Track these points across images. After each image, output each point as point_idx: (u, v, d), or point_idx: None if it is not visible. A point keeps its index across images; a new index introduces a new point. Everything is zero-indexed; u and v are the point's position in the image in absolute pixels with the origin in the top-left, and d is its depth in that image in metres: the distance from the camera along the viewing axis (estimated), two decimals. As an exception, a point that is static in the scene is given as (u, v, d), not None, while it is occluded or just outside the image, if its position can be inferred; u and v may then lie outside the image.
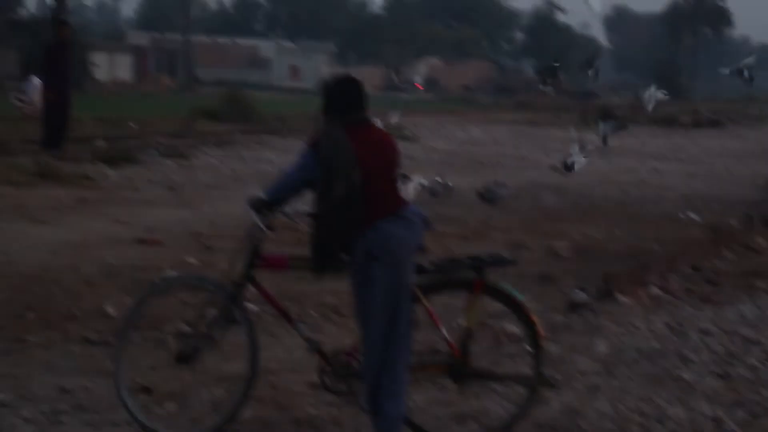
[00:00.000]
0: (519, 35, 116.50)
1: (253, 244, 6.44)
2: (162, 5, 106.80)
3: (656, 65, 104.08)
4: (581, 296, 10.20)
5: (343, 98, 6.25)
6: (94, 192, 15.74)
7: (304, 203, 6.48)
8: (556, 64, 20.57)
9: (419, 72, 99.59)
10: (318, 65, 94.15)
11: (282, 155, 22.63)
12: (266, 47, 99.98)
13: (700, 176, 24.52)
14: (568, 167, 17.76)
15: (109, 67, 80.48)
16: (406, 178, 17.61)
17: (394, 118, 22.95)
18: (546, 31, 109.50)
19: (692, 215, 17.00)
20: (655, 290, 10.99)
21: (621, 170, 25.45)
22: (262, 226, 6.34)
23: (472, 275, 6.40)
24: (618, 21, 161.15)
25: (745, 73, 16.80)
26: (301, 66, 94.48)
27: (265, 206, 6.30)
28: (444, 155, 25.52)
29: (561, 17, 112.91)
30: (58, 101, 20.30)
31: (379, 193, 6.07)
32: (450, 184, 18.03)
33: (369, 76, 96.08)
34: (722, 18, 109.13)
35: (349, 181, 5.98)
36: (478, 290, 6.39)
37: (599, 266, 12.11)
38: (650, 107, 19.18)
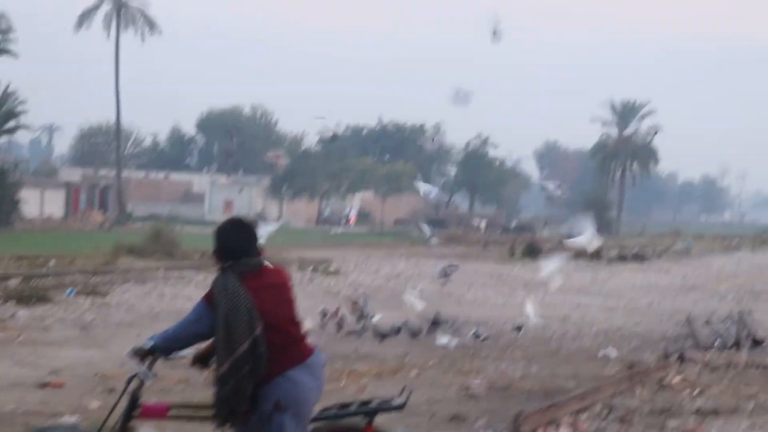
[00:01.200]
0: (452, 169, 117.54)
1: (133, 393, 6.21)
2: (96, 141, 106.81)
3: (585, 200, 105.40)
4: (485, 439, 9.99)
5: (236, 243, 6.09)
6: (0, 333, 15.35)
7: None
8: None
9: (352, 206, 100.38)
10: (252, 199, 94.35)
11: (202, 291, 22.39)
12: (200, 182, 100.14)
13: (621, 311, 24.55)
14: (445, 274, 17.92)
15: (40, 204, 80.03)
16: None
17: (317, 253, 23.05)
18: (478, 165, 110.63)
19: (609, 352, 16.89)
20: (565, 430, 10.82)
21: (546, 304, 25.43)
22: (143, 375, 6.13)
23: (363, 422, 6.24)
24: (548, 156, 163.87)
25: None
26: (234, 200, 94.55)
27: (150, 355, 6.11)
28: (369, 290, 25.36)
29: (493, 152, 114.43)
30: None
31: (287, 341, 5.88)
32: (371, 314, 17.85)
33: (303, 210, 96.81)
34: (650, 155, 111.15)
35: (253, 334, 5.79)
36: (369, 436, 6.20)
37: (513, 405, 11.90)
38: (591, 248, 19.29)
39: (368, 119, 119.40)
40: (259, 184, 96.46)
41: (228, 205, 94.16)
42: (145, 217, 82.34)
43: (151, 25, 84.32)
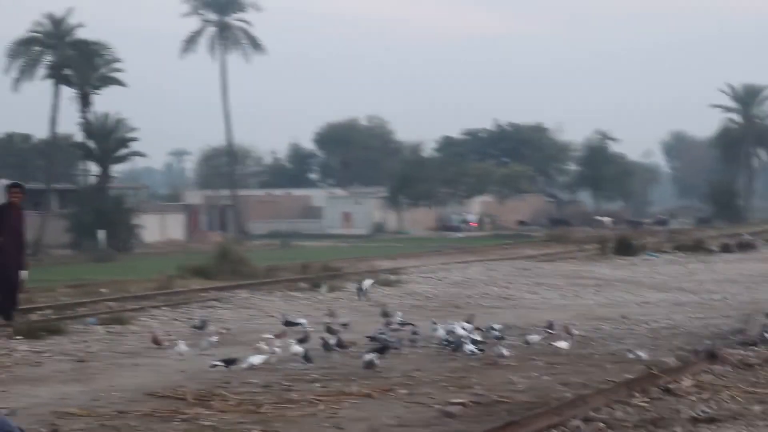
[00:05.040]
0: (572, 168, 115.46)
1: None
2: (216, 163, 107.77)
3: (713, 190, 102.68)
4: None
5: None
6: (-18, 372, 14.78)
7: None
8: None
9: (471, 211, 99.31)
10: (370, 210, 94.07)
11: (237, 312, 21.71)
12: (318, 196, 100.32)
13: (689, 306, 23.07)
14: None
15: (161, 228, 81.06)
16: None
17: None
18: (600, 160, 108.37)
19: (640, 354, 15.56)
20: (518, 453, 9.71)
21: (609, 303, 24.14)
22: None
23: None
24: (676, 147, 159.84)
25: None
26: (352, 212, 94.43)
27: None
28: (421, 299, 24.41)
29: (613, 146, 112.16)
30: (6, 264, 19.55)
31: None
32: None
33: (422, 218, 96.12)
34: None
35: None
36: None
37: (480, 425, 10.85)
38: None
39: (484, 122, 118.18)
40: (377, 195, 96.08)
41: (346, 217, 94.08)
42: (265, 234, 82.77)
43: (255, 44, 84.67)
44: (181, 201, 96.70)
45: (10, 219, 20.20)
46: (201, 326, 18.50)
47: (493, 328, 17.70)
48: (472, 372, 14.83)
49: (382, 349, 16.04)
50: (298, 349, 15.73)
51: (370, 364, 15.00)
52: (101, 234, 63.41)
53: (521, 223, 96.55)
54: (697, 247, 42.41)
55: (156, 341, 16.76)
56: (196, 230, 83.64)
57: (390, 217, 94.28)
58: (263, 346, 15.78)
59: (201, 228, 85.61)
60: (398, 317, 18.82)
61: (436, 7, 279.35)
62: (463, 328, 17.49)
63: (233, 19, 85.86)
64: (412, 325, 18.05)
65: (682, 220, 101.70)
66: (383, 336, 16.96)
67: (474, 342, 16.70)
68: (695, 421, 11.04)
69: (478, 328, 17.74)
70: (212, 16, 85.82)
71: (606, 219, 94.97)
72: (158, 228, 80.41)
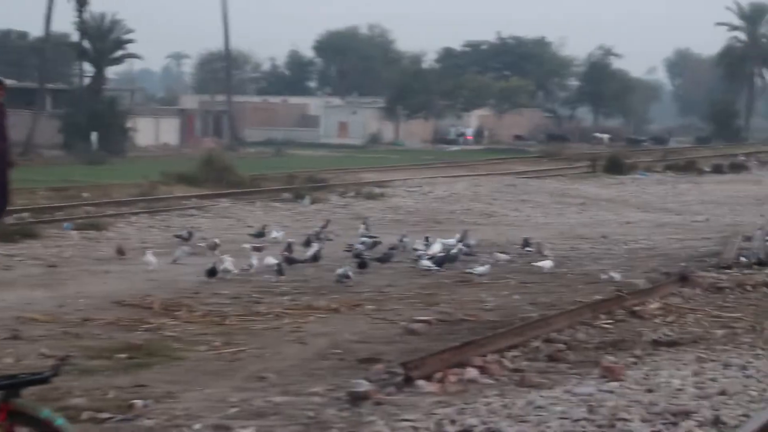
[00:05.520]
0: (574, 83, 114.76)
1: None
2: (214, 68, 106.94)
3: (713, 109, 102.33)
4: (362, 386, 8.94)
5: None
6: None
7: None
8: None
9: (469, 124, 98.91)
10: (366, 121, 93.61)
11: (214, 220, 21.69)
12: (315, 105, 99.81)
13: (671, 227, 23.08)
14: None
15: (156, 132, 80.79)
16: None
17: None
18: (601, 76, 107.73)
19: (613, 275, 15.58)
20: (472, 372, 9.72)
21: (591, 222, 24.15)
22: None
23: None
24: (680, 64, 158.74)
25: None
26: (349, 122, 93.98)
27: None
28: (403, 214, 24.36)
29: (616, 63, 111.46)
30: None
31: None
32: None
33: (420, 130, 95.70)
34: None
35: None
36: (3, 417, 5.18)
37: (443, 343, 10.86)
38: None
39: (487, 35, 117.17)
40: (374, 105, 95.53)
41: (342, 127, 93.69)
42: (260, 142, 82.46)
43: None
44: (176, 105, 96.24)
45: None
46: (187, 237, 18.40)
47: (468, 245, 17.72)
48: (443, 289, 14.88)
49: (362, 264, 16.00)
50: (271, 260, 15.76)
51: (342, 278, 15.02)
52: (94, 136, 63.26)
53: (518, 137, 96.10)
54: (688, 167, 42.29)
55: (120, 251, 16.65)
56: (190, 135, 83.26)
57: (386, 128, 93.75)
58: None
59: (195, 133, 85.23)
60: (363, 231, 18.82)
61: None
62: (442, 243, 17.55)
63: None
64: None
65: (681, 139, 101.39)
66: (362, 250, 16.96)
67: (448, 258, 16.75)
68: (656, 343, 11.09)
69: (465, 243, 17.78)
70: None
71: (604, 136, 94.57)
72: (152, 132, 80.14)
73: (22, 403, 5.18)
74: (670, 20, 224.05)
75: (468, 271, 15.97)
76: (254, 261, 15.72)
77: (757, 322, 12.03)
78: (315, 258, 16.47)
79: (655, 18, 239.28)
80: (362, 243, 17.56)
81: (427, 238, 18.01)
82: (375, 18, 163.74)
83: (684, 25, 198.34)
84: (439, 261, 16.70)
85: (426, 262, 16.32)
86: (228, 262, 14.97)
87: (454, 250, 17.15)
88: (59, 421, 5.19)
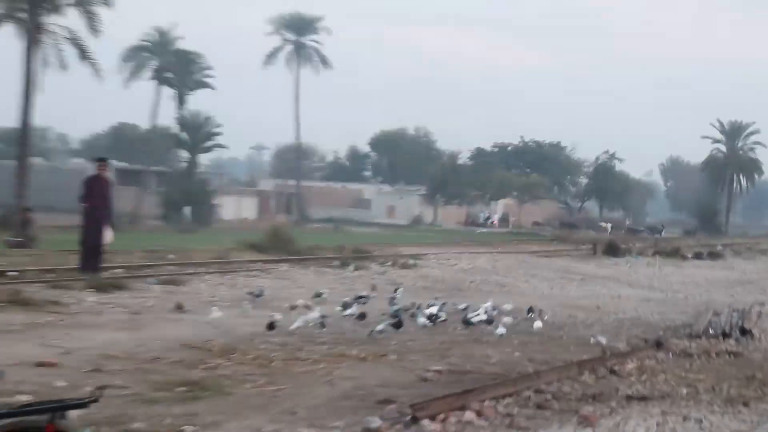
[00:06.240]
0: (583, 180, 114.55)
1: None
2: (288, 158, 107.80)
3: (698, 207, 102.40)
4: (375, 422, 8.78)
5: None
6: (52, 316, 14.73)
7: None
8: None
9: (496, 211, 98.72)
10: (411, 205, 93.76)
11: (273, 281, 21.59)
12: (368, 190, 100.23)
13: (654, 302, 22.69)
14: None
15: (238, 209, 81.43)
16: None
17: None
18: (606, 176, 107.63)
19: (600, 339, 15.29)
20: (470, 415, 9.53)
21: (588, 295, 23.81)
22: None
23: (45, 420, 5.11)
24: (673, 168, 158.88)
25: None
26: (396, 205, 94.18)
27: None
28: (431, 282, 24.15)
29: (619, 165, 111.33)
30: (92, 228, 19.59)
31: None
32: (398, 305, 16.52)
33: (454, 214, 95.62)
34: (754, 167, 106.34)
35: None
36: (49, 435, 5.10)
37: (449, 389, 10.66)
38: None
39: (513, 138, 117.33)
40: (417, 193, 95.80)
41: (390, 209, 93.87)
42: (322, 219, 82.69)
43: (324, 61, 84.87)
44: (256, 187, 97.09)
45: (98, 188, 20.19)
46: (259, 294, 18.29)
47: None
48: (457, 345, 14.64)
49: (398, 324, 15.71)
50: (314, 315, 15.60)
51: (378, 333, 14.80)
52: (187, 210, 64.00)
53: (536, 224, 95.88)
54: (674, 253, 41.77)
55: (179, 307, 16.50)
56: (266, 212, 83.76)
57: (427, 211, 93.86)
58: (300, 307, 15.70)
59: (270, 211, 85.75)
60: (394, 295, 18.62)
61: (485, 41, 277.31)
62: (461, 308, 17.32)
63: (308, 40, 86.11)
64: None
65: (671, 231, 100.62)
66: (398, 312, 16.65)
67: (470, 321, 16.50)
68: (629, 398, 10.82)
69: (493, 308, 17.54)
70: (290, 36, 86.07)
71: (608, 225, 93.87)
72: (235, 208, 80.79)
73: (66, 424, 5.12)
74: (666, 132, 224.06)
75: (492, 331, 15.67)
76: (302, 318, 15.50)
77: (717, 383, 11.71)
78: (362, 317, 16.23)
79: (653, 129, 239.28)
80: (395, 304, 17.35)
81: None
82: (420, 122, 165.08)
83: (677, 137, 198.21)
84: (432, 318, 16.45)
85: (422, 320, 15.99)
86: (278, 316, 14.85)
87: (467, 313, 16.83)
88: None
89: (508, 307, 17.69)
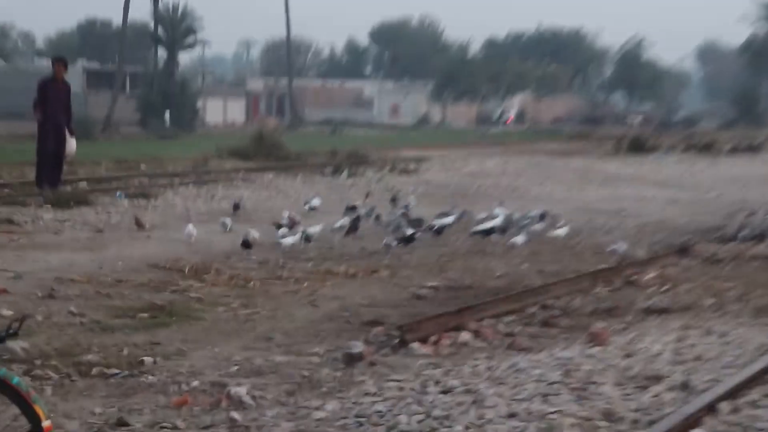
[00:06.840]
0: (608, 70, 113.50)
1: None
2: (279, 54, 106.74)
3: (737, 95, 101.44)
4: (358, 347, 8.63)
5: None
6: (3, 237, 14.53)
7: None
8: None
9: (511, 107, 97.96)
10: (416, 103, 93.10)
11: (257, 192, 21.39)
12: (369, 88, 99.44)
13: (683, 203, 22.49)
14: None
15: (224, 111, 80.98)
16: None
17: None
18: (634, 65, 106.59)
19: (618, 246, 15.05)
20: (466, 336, 9.38)
21: (609, 197, 23.58)
22: None
23: None
24: (709, 53, 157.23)
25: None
26: (400, 104, 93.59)
27: None
28: (432, 187, 23.90)
29: (649, 52, 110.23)
30: (50, 138, 19.08)
31: None
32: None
33: (464, 112, 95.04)
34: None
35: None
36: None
37: (445, 307, 10.51)
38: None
39: (529, 24, 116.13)
40: (423, 89, 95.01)
41: (394, 108, 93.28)
42: (319, 121, 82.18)
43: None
44: (244, 87, 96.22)
45: (55, 92, 19.46)
46: (237, 206, 18.10)
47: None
48: (458, 258, 14.49)
49: (409, 239, 15.34)
50: (316, 229, 15.21)
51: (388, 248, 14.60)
52: (167, 114, 63.60)
53: (556, 120, 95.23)
54: (707, 148, 41.40)
55: (138, 224, 16.15)
56: (255, 115, 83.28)
57: (434, 110, 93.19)
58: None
59: (260, 113, 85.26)
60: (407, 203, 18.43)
61: None
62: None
63: None
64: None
65: (706, 123, 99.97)
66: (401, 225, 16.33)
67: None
68: (647, 311, 10.68)
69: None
70: None
71: (637, 118, 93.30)
72: (220, 111, 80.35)
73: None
74: (702, 13, 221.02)
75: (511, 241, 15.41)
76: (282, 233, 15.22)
77: (746, 292, 11.55)
78: (353, 228, 16.01)
79: (687, 12, 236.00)
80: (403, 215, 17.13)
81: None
82: (426, 9, 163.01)
83: (713, 19, 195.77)
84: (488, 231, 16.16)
85: (407, 230, 15.64)
86: (253, 233, 14.64)
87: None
88: (15, 380, 4.92)
89: (534, 212, 17.39)
